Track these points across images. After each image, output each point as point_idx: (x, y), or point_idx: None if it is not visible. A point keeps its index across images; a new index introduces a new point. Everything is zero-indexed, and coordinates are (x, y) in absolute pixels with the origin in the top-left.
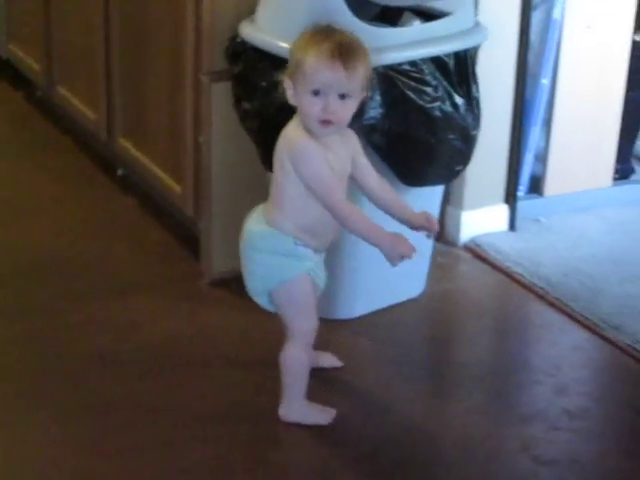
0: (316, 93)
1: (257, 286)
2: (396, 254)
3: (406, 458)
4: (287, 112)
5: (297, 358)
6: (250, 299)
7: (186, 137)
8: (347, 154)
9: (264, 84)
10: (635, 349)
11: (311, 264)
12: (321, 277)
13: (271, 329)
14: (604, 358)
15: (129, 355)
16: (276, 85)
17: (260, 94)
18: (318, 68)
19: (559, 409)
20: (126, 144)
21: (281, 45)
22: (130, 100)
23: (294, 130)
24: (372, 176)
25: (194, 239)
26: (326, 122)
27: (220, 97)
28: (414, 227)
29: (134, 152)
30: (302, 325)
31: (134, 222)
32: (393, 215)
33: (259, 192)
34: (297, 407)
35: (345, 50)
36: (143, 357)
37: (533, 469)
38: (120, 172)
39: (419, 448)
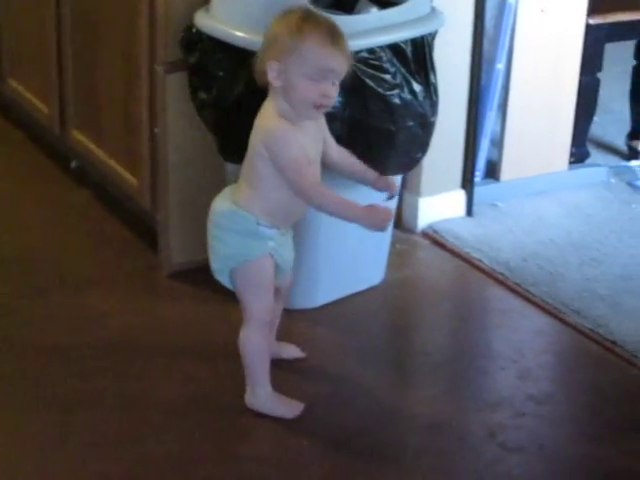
0: (316, 78)
1: (219, 264)
2: (377, 223)
3: (375, 447)
4: (245, 101)
5: (254, 341)
6: (210, 290)
7: (142, 129)
8: (320, 135)
9: (221, 74)
10: (596, 333)
11: (273, 244)
12: (285, 258)
13: (231, 320)
14: (566, 342)
15: (89, 350)
16: (234, 74)
17: (217, 84)
18: (323, 54)
19: (524, 395)
20: (80, 137)
21: (238, 34)
22: (84, 92)
23: (270, 115)
24: (333, 147)
25: (151, 231)
26: (321, 106)
27: (176, 88)
28: (376, 188)
29: (88, 145)
30: (259, 305)
31: (90, 215)
32: (357, 180)
33: (217, 182)
34: (263, 397)
35: (340, 35)
36: (103, 352)
37: (500, 455)
38: (74, 164)
39: (387, 437)
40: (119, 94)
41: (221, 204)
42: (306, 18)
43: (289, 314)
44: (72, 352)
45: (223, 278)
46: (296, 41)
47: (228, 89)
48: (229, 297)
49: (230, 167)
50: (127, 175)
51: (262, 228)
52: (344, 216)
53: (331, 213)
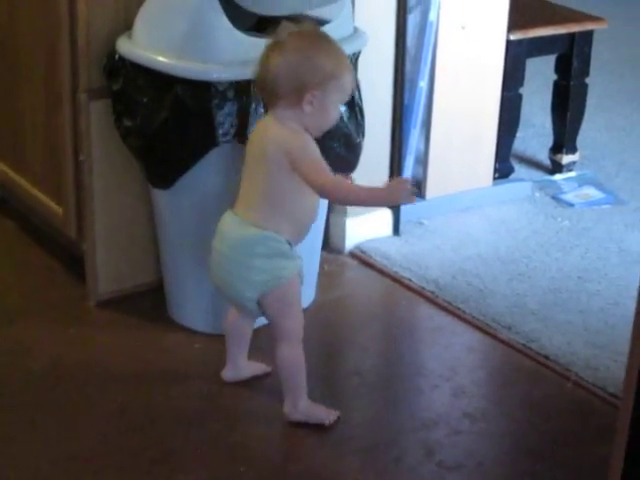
0: (341, 104)
1: (251, 292)
2: (404, 197)
3: (310, 471)
4: (170, 127)
5: (295, 357)
6: (139, 317)
7: (65, 157)
8: None
9: (145, 100)
10: (529, 348)
11: (301, 262)
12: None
13: (162, 346)
14: (499, 358)
15: (19, 383)
16: (158, 100)
17: (141, 111)
18: (351, 81)
19: (459, 412)
20: (2, 167)
21: (160, 60)
22: (4, 121)
23: (285, 130)
24: None
25: (78, 261)
26: None
27: (100, 115)
28: None
29: (11, 175)
30: (294, 323)
31: (15, 246)
32: None
33: (143, 210)
34: (304, 407)
35: None
36: (34, 385)
37: (439, 474)
38: None
39: (322, 461)
40: (41, 122)
41: (241, 231)
42: (333, 42)
43: (219, 338)
44: (1, 386)
45: (250, 305)
46: (336, 71)
47: (152, 115)
48: (159, 323)
49: (156, 192)
50: (52, 204)
51: (293, 248)
52: (370, 202)
53: (357, 203)
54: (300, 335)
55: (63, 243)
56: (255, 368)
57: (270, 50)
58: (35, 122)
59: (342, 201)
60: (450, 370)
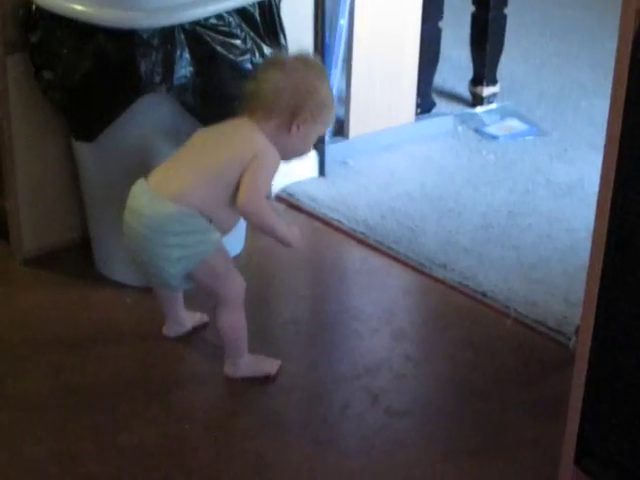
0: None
1: (173, 270)
2: (296, 242)
3: (255, 425)
4: (93, 78)
5: (234, 320)
6: (66, 275)
7: None
8: None
9: (65, 52)
10: (465, 285)
11: (219, 235)
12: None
13: (91, 304)
14: (436, 298)
15: None
16: (79, 51)
17: (62, 63)
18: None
19: (402, 356)
20: None
21: (79, 9)
22: None
23: (266, 142)
24: None
25: (0, 219)
26: None
27: (16, 69)
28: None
29: None
30: (231, 290)
31: None
32: None
33: (67, 165)
34: (244, 364)
35: None
36: None
37: (387, 422)
38: None
39: (265, 414)
40: None
41: (156, 207)
42: (324, 72)
43: (149, 292)
44: None
45: (175, 282)
46: (327, 100)
47: (74, 67)
48: (88, 280)
49: (80, 146)
50: None
51: (213, 225)
52: (273, 230)
53: (262, 225)
54: (240, 299)
55: None
56: (195, 319)
57: (269, 66)
58: None
59: (253, 215)
60: (388, 313)
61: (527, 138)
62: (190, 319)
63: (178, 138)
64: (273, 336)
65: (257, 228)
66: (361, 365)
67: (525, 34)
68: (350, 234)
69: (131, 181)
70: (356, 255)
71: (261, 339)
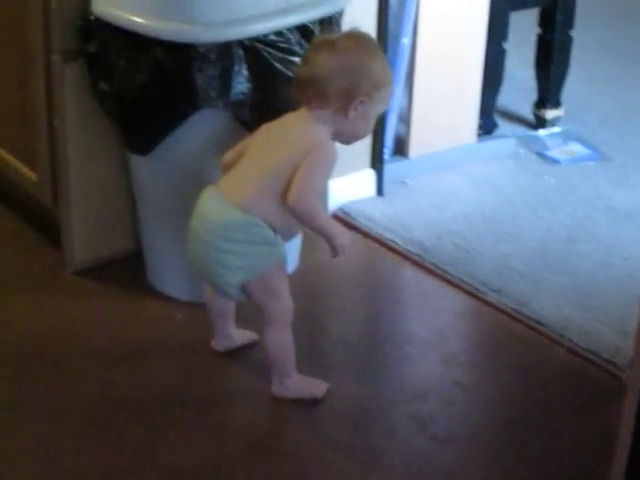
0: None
1: (231, 278)
2: (344, 245)
3: (299, 448)
4: (149, 90)
5: (281, 340)
6: (117, 286)
7: (39, 121)
8: None
9: (122, 63)
10: (520, 312)
11: (285, 248)
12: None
13: (142, 316)
14: (489, 324)
15: None
16: (136, 63)
17: (119, 74)
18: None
19: (451, 382)
20: None
21: (137, 21)
22: None
23: (323, 135)
24: None
25: (52, 227)
26: None
27: (75, 77)
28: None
29: None
30: (280, 308)
31: None
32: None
33: (121, 176)
34: (292, 384)
35: None
36: (14, 357)
37: (433, 448)
38: None
39: (310, 437)
40: (13, 86)
41: (223, 213)
42: (384, 54)
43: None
44: None
45: (233, 291)
46: (384, 79)
47: (130, 79)
48: (138, 292)
49: (135, 158)
50: (25, 170)
51: (277, 236)
52: (325, 229)
53: (314, 223)
54: (288, 318)
55: (38, 210)
56: (245, 337)
57: (319, 48)
58: (7, 87)
59: (304, 213)
60: (440, 337)
61: (589, 163)
62: (240, 336)
63: None
64: (322, 356)
65: (306, 226)
66: (410, 390)
67: (590, 55)
68: (405, 255)
69: (185, 194)
70: (410, 277)
71: (310, 358)
